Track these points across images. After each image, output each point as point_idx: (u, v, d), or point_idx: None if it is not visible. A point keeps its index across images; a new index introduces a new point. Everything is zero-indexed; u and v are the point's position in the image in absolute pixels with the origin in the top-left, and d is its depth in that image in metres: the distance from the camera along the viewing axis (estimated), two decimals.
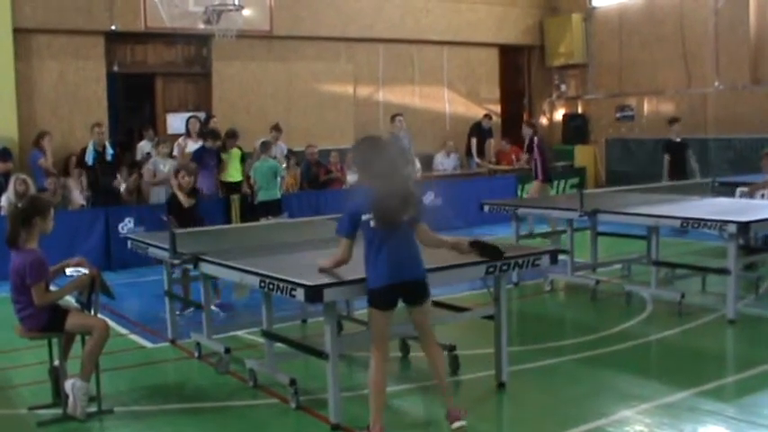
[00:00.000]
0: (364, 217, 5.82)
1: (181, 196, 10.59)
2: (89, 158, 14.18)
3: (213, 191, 14.85)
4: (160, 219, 11.13)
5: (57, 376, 7.03)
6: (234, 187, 14.79)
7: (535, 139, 15.04)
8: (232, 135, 14.94)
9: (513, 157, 20.21)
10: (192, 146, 15.24)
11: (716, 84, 18.94)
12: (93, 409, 6.84)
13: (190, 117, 16.21)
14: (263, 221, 12.90)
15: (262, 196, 14.03)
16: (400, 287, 5.94)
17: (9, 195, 13.25)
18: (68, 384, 6.78)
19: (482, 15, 21.44)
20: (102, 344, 6.84)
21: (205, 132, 15.03)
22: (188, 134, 15.77)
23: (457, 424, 6.07)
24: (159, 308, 9.88)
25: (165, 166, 14.29)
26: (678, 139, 15.59)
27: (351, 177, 17.32)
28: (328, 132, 18.78)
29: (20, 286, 6.73)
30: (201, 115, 16.85)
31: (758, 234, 10.88)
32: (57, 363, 7.07)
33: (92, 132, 14.32)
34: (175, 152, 15.46)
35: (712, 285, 10.54)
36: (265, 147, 14.51)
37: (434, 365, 6.32)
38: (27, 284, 6.65)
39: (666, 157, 15.52)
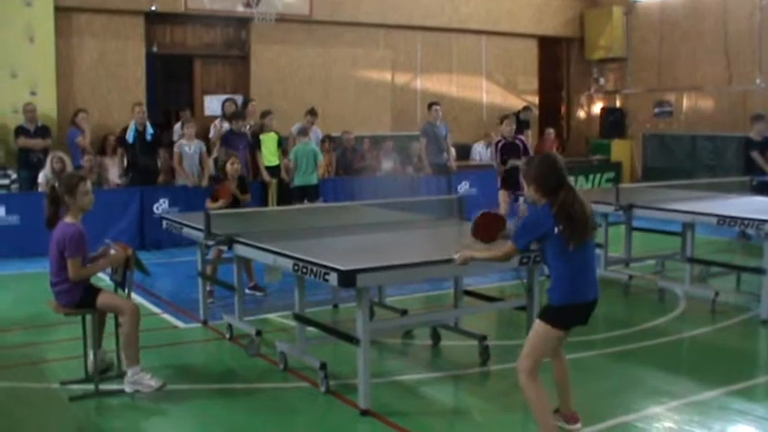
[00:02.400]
0: (556, 230, 5.40)
1: (232, 185, 10.53)
2: (130, 137, 14.26)
3: (244, 174, 14.85)
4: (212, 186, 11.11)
5: (86, 357, 7.13)
6: (271, 171, 14.81)
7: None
8: (267, 114, 14.97)
9: (554, 149, 20.09)
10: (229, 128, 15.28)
11: (757, 81, 18.74)
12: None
13: (226, 100, 16.26)
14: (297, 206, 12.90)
15: (299, 180, 14.06)
16: (590, 305, 5.69)
17: (46, 172, 13.37)
18: (127, 384, 6.87)
19: (522, 6, 21.33)
20: (135, 327, 6.89)
21: (230, 115, 15.07)
22: (224, 116, 15.82)
23: (575, 426, 6.10)
24: (192, 288, 9.94)
25: (191, 149, 14.33)
26: (759, 138, 14.87)
27: (386, 164, 17.33)
28: (365, 119, 18.79)
29: (58, 260, 6.80)
30: (239, 98, 16.88)
31: None
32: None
33: (133, 112, 14.40)
34: (211, 134, 15.53)
35: (747, 284, 10.44)
36: (305, 131, 14.58)
37: (564, 369, 6.18)
38: (65, 257, 6.72)
39: (756, 154, 14.73)
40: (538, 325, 5.65)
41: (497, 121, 14.22)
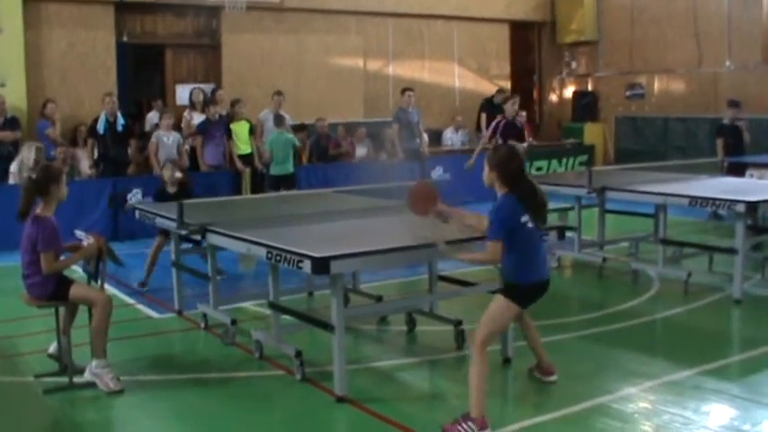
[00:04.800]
0: (523, 219, 5.80)
1: (170, 189, 10.54)
2: (101, 128, 14.15)
3: (221, 162, 14.84)
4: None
5: (60, 350, 7.10)
6: (244, 159, 14.78)
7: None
8: (237, 102, 14.94)
9: (526, 133, 20.12)
10: (198, 118, 15.23)
11: (727, 63, 18.84)
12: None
13: (193, 89, 16.22)
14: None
15: (275, 170, 14.02)
16: (545, 284, 6.05)
17: (26, 161, 13.16)
18: (87, 372, 6.84)
19: None
20: (106, 318, 6.83)
21: (206, 102, 15.06)
22: (192, 106, 15.78)
23: (551, 377, 6.69)
24: (166, 278, 9.90)
25: (169, 139, 14.23)
26: (729, 123, 14.95)
27: (360, 151, 17.33)
28: (338, 106, 18.75)
29: (31, 252, 6.74)
30: (208, 87, 16.82)
31: (766, 214, 10.84)
32: (52, 351, 7.22)
33: (103, 102, 14.29)
34: (183, 125, 15.48)
35: (719, 265, 10.51)
36: (280, 120, 14.52)
37: (533, 332, 6.78)
38: (38, 251, 6.67)
39: (719, 142, 14.97)
40: (501, 300, 5.99)
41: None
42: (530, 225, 5.84)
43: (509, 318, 6.12)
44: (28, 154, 13.22)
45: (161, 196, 10.55)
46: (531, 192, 5.89)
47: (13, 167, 13.41)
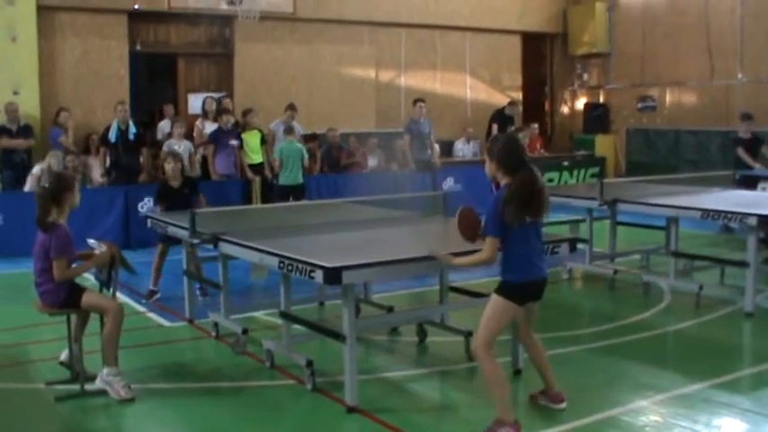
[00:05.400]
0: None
1: (173, 183, 10.36)
2: (112, 136, 14.20)
3: (232, 171, 14.86)
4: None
5: (71, 358, 7.10)
6: (254, 169, 14.80)
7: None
8: (249, 112, 14.98)
9: (538, 145, 20.19)
10: (210, 127, 15.28)
11: (739, 76, 18.80)
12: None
13: (206, 98, 16.29)
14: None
15: (285, 180, 14.01)
16: (542, 282, 5.97)
17: (52, 167, 13.13)
18: (99, 380, 6.86)
19: (506, 2, 21.32)
20: (118, 326, 6.85)
21: (218, 111, 15.12)
22: (205, 115, 15.84)
23: (561, 405, 6.38)
24: (178, 287, 9.91)
25: (180, 147, 14.27)
26: (747, 136, 15.11)
27: (371, 161, 17.35)
28: (350, 116, 18.77)
29: (43, 259, 6.76)
30: (221, 96, 16.88)
31: None
32: (63, 358, 7.22)
33: (115, 110, 14.34)
34: (194, 134, 15.54)
35: (731, 278, 10.49)
36: (290, 129, 14.53)
37: (541, 356, 6.46)
38: (50, 258, 6.70)
39: (741, 151, 15.05)
40: (495, 300, 5.90)
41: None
42: (526, 219, 5.75)
43: (507, 318, 5.97)
44: (57, 162, 13.30)
45: (165, 191, 10.41)
46: (529, 182, 5.76)
47: (36, 170, 13.47)
